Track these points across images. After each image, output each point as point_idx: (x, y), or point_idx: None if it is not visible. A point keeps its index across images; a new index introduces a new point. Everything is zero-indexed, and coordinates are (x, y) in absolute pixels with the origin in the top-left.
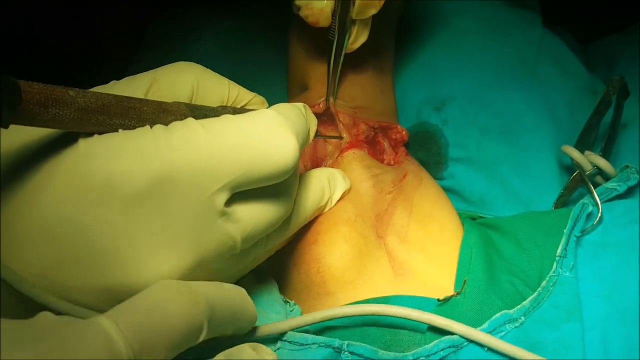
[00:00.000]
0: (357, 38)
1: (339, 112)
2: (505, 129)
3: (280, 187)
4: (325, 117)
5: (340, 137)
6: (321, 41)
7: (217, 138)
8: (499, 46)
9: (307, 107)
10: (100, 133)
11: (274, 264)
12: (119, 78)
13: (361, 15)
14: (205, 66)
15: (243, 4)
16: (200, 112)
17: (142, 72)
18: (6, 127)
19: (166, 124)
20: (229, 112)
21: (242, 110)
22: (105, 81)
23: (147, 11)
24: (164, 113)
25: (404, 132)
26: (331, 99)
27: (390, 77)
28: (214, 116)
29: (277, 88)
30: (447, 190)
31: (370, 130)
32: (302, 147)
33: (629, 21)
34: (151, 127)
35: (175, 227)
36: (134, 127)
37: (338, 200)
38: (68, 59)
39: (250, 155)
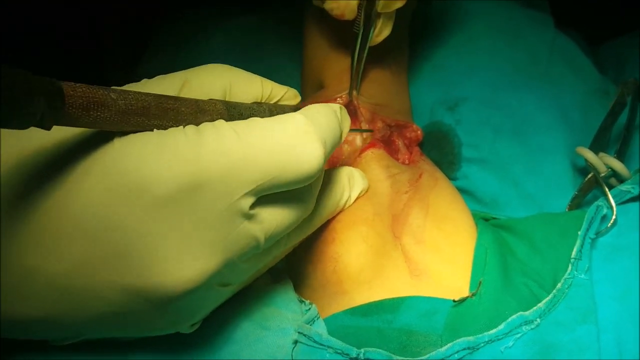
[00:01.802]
0: (381, 31)
1: (361, 107)
2: (518, 130)
3: (304, 187)
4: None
5: (371, 131)
6: (339, 37)
7: (246, 143)
8: (512, 48)
9: (343, 108)
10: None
11: (290, 262)
12: (127, 78)
13: (387, 8)
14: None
15: (253, 2)
16: (236, 110)
17: (151, 72)
18: (48, 129)
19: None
20: (264, 109)
21: (276, 106)
22: (112, 80)
23: (155, 11)
24: (200, 113)
25: (419, 132)
26: (354, 93)
27: (405, 75)
28: (249, 114)
29: (290, 85)
30: (461, 190)
31: (387, 128)
32: (331, 151)
33: (638, 22)
34: (185, 127)
35: (203, 230)
36: (170, 127)
37: (356, 200)
38: (75, 59)
39: (277, 161)
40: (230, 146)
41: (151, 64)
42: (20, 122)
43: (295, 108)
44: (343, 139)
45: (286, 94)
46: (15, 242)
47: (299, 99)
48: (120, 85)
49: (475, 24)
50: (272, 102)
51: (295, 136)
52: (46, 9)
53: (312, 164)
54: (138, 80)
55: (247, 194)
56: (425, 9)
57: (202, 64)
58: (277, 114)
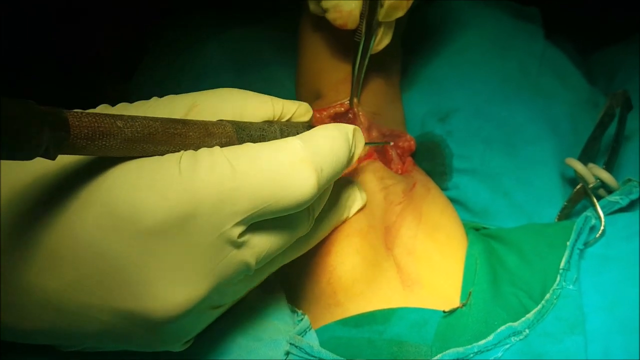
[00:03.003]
0: (382, 40)
1: (361, 114)
2: (508, 141)
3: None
4: (344, 118)
5: (389, 143)
6: (336, 47)
7: (239, 173)
8: (502, 59)
9: (358, 129)
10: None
11: (284, 273)
12: (123, 88)
13: (388, 17)
14: (210, 75)
15: (246, 11)
16: (245, 132)
17: (148, 82)
18: (53, 159)
19: (211, 146)
20: (274, 129)
21: (288, 124)
22: (109, 89)
23: (150, 20)
24: (209, 137)
25: (412, 142)
26: (355, 100)
27: (398, 85)
28: (259, 135)
29: (284, 96)
30: (452, 200)
31: (381, 137)
32: (332, 177)
33: (629, 31)
34: (196, 150)
35: (193, 258)
36: (174, 152)
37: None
38: (71, 68)
39: (269, 190)
40: (223, 176)
41: (147, 73)
42: (25, 154)
43: (308, 125)
44: (355, 160)
45: (298, 110)
46: (14, 260)
47: (310, 113)
48: (119, 93)
49: (466, 35)
50: (284, 119)
51: (289, 165)
52: (43, 20)
53: (304, 193)
54: (135, 94)
55: (238, 223)
56: (416, 21)
57: (198, 74)
58: (289, 133)
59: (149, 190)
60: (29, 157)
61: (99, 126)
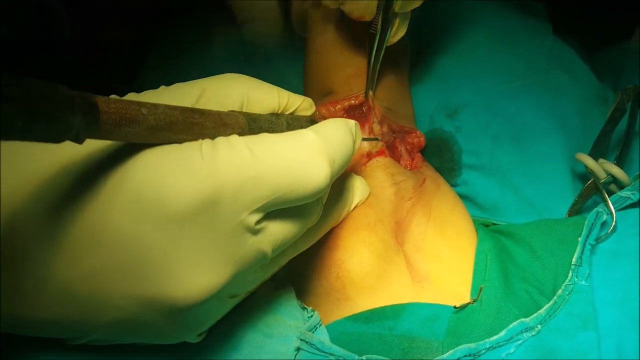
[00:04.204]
0: (398, 32)
1: (376, 108)
2: (516, 137)
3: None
4: (358, 111)
5: (377, 139)
6: (347, 43)
7: (258, 160)
8: (510, 55)
9: (358, 124)
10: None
11: (293, 269)
12: (128, 89)
13: (404, 8)
14: (215, 72)
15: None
16: (256, 124)
17: (152, 83)
18: (80, 143)
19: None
20: (281, 122)
21: (294, 118)
22: (114, 89)
23: (152, 20)
24: (223, 127)
25: (422, 138)
26: (370, 93)
27: (407, 82)
28: (268, 127)
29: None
30: (461, 196)
31: (391, 134)
32: (341, 168)
33: (633, 28)
34: (212, 139)
35: (215, 244)
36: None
37: (359, 207)
38: (74, 67)
39: (285, 180)
40: (243, 163)
41: (152, 74)
42: (56, 136)
43: (311, 120)
44: (355, 153)
45: (302, 104)
46: (34, 249)
47: (314, 108)
48: (123, 94)
49: (475, 32)
50: (288, 112)
51: (305, 154)
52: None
53: (319, 183)
54: (139, 91)
55: (256, 210)
56: (425, 18)
57: (203, 72)
58: (294, 126)
59: (175, 175)
60: (59, 140)
61: (125, 113)
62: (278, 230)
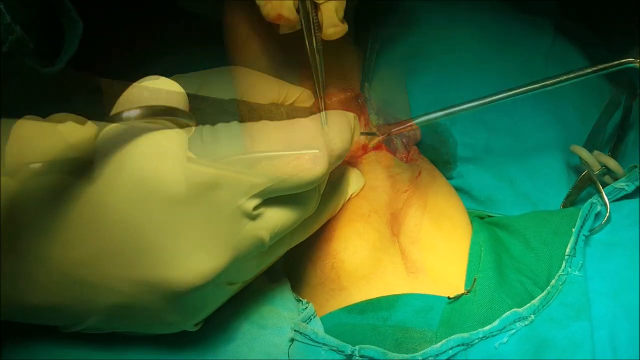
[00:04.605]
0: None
1: (372, 100)
2: (512, 129)
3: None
4: (354, 103)
5: (374, 134)
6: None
7: (258, 147)
8: (508, 52)
9: (356, 117)
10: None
11: (289, 261)
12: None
13: None
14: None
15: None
16: (256, 113)
17: (153, 74)
18: (83, 124)
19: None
20: (281, 112)
21: (293, 109)
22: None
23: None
24: (224, 114)
25: (418, 131)
26: (366, 85)
27: (403, 76)
28: (268, 116)
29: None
30: (456, 189)
31: (386, 127)
32: (338, 159)
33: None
34: (213, 125)
35: (214, 228)
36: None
37: (354, 198)
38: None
39: (283, 167)
40: (242, 149)
41: (152, 68)
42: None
43: (310, 111)
44: (352, 145)
45: (301, 95)
46: (34, 233)
47: (312, 100)
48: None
49: (472, 27)
50: (287, 103)
51: (304, 142)
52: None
53: (317, 171)
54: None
55: (254, 196)
56: (420, 15)
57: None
58: (294, 116)
59: (175, 160)
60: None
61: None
62: (276, 217)
